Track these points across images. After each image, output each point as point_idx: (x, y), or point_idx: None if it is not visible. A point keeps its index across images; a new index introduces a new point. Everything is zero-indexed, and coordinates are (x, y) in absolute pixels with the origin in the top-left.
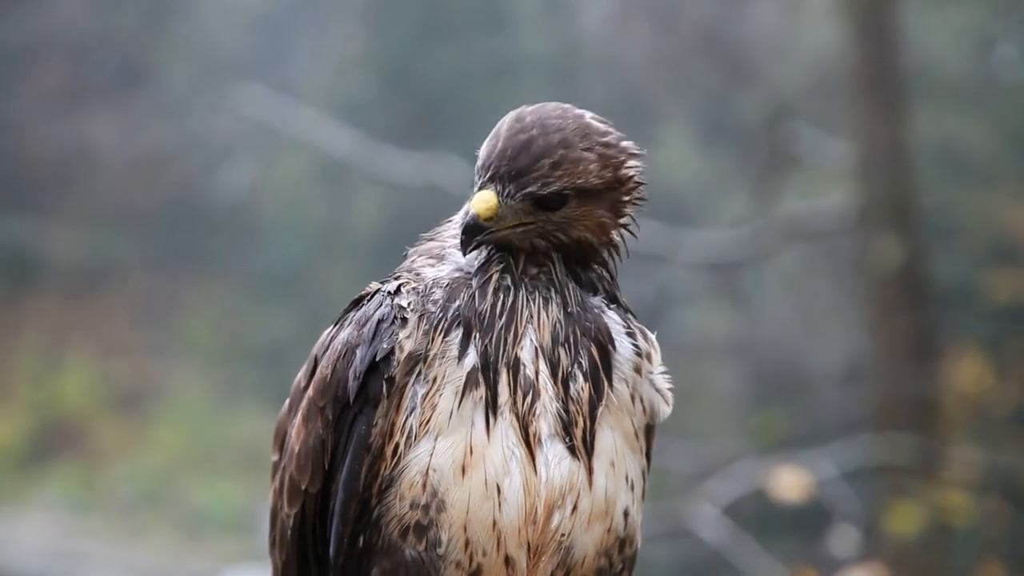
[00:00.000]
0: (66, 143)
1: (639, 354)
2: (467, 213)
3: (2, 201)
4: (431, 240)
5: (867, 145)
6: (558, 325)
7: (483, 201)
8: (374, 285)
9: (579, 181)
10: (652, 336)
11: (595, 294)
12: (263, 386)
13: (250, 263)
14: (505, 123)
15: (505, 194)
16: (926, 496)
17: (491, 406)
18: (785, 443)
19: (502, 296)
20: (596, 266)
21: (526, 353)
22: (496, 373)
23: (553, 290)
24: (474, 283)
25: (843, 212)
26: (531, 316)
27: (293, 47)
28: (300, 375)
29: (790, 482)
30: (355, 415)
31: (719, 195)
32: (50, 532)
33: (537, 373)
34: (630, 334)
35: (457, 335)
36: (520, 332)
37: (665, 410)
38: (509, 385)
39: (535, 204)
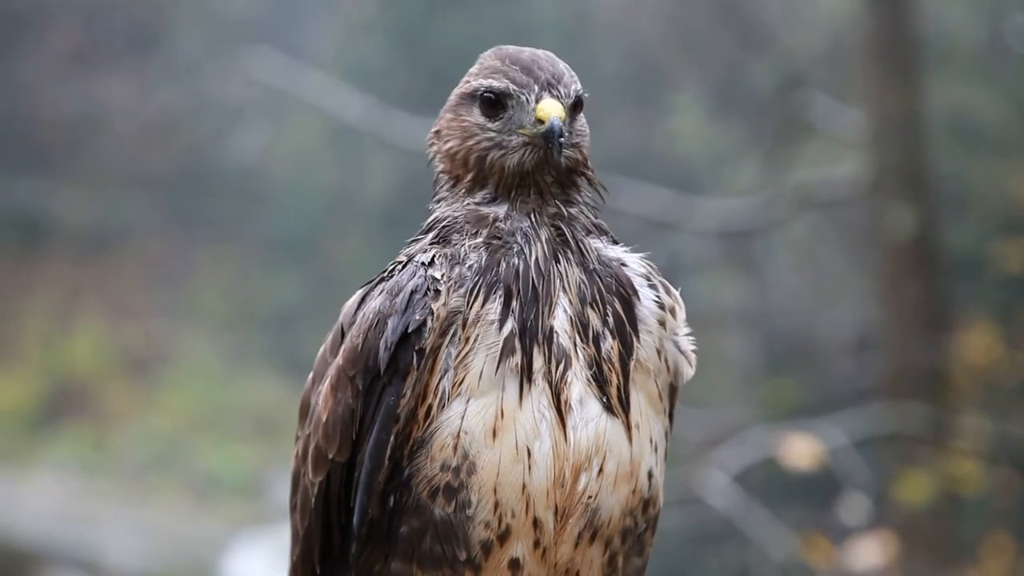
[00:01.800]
0: (78, 106)
1: (662, 307)
2: (538, 123)
3: (14, 163)
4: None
5: (880, 114)
6: (583, 285)
7: (554, 107)
8: (404, 257)
9: (579, 86)
10: (676, 291)
11: (593, 235)
12: (273, 351)
13: (261, 228)
14: (496, 56)
15: (563, 97)
16: (936, 465)
17: (526, 373)
18: (795, 411)
19: (539, 262)
20: (581, 196)
21: (559, 320)
22: (532, 341)
23: (570, 249)
24: (513, 248)
25: (855, 181)
26: (562, 281)
27: (305, 11)
28: (324, 347)
29: (800, 450)
30: (384, 386)
31: (731, 163)
32: (60, 494)
33: (572, 340)
34: (652, 286)
35: (496, 301)
36: (554, 300)
37: (688, 372)
38: (544, 353)
39: (571, 109)
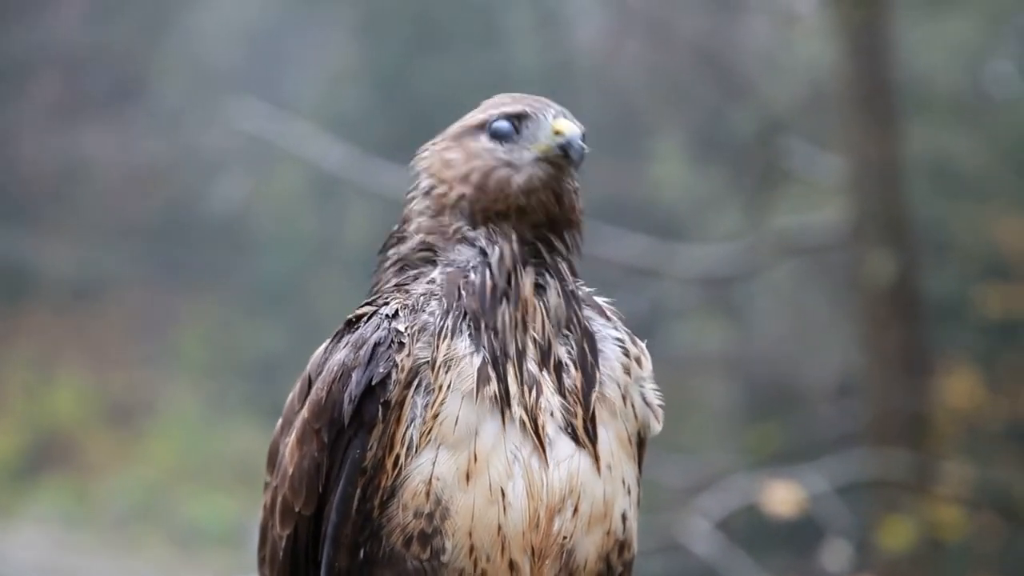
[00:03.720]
0: (60, 156)
1: (626, 353)
2: (555, 135)
3: None
4: (384, 273)
5: (860, 160)
6: (550, 312)
7: (572, 123)
8: (368, 308)
9: None
10: (642, 343)
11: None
12: (256, 399)
13: (243, 277)
14: (499, 96)
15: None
16: (918, 511)
17: (504, 400)
18: (778, 457)
19: (503, 284)
20: (564, 240)
21: (528, 345)
22: (505, 366)
23: (547, 275)
24: (474, 274)
25: (836, 227)
26: (530, 304)
27: (287, 61)
28: (293, 395)
29: (783, 496)
30: (349, 439)
31: (712, 209)
32: (42, 546)
33: (538, 365)
34: (615, 328)
35: (463, 334)
36: (522, 322)
37: (656, 426)
38: (516, 379)
39: None
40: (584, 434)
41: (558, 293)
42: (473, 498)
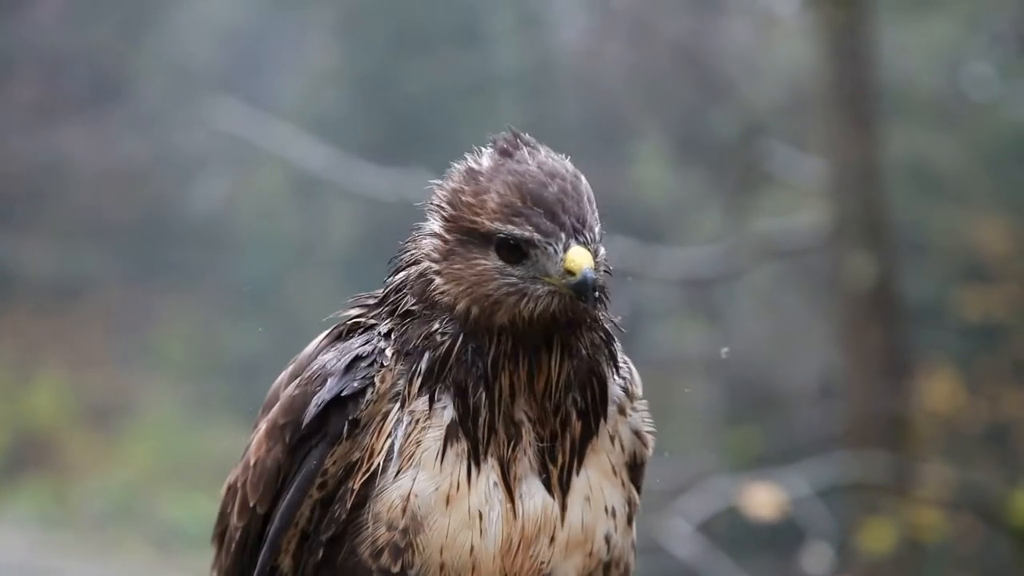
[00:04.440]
0: (40, 156)
1: (626, 392)
2: (567, 274)
3: None
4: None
5: (840, 162)
6: (558, 364)
7: (584, 257)
8: (366, 321)
9: (600, 226)
10: (636, 373)
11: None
12: (235, 401)
13: (223, 277)
14: (516, 189)
15: (591, 243)
16: (898, 513)
17: (473, 458)
18: (758, 460)
19: (507, 352)
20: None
21: (520, 401)
22: (479, 426)
23: (566, 345)
24: (473, 342)
25: (816, 229)
26: (527, 365)
27: (268, 62)
28: (284, 374)
29: (763, 499)
30: (310, 448)
31: (693, 212)
32: (21, 547)
33: (525, 418)
34: (622, 376)
35: (442, 391)
36: (523, 381)
37: (646, 453)
38: (497, 432)
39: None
40: (557, 484)
41: (577, 353)
42: (449, 519)
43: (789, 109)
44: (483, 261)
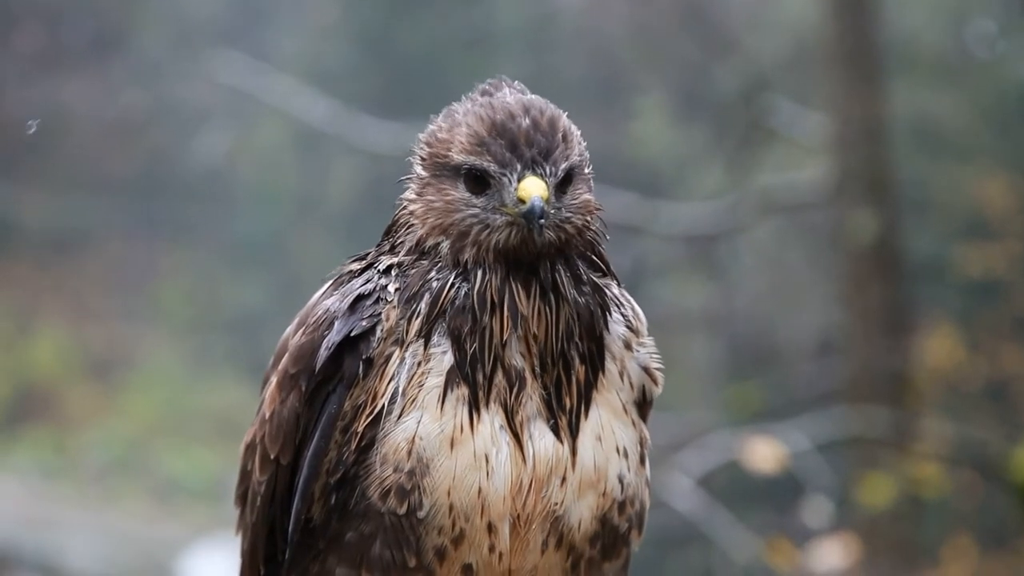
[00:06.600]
0: (40, 108)
1: (630, 328)
2: (519, 202)
3: None
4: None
5: (843, 119)
6: (552, 310)
7: (536, 187)
8: (361, 264)
9: (576, 158)
10: (640, 310)
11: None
12: (236, 354)
13: (225, 231)
14: (487, 119)
15: (549, 176)
16: (898, 468)
17: (473, 404)
18: (759, 415)
19: (492, 295)
20: (590, 256)
21: (513, 346)
22: (476, 372)
23: (557, 281)
24: (463, 285)
25: (818, 185)
26: (523, 306)
27: (269, 14)
28: (291, 326)
29: (763, 453)
30: (328, 393)
31: (695, 167)
32: (21, 498)
33: (525, 365)
34: (623, 314)
35: (440, 334)
36: (507, 325)
37: (655, 390)
38: (495, 377)
39: (559, 185)
40: (567, 427)
41: (561, 294)
42: (455, 461)
43: (792, 65)
44: (452, 192)
